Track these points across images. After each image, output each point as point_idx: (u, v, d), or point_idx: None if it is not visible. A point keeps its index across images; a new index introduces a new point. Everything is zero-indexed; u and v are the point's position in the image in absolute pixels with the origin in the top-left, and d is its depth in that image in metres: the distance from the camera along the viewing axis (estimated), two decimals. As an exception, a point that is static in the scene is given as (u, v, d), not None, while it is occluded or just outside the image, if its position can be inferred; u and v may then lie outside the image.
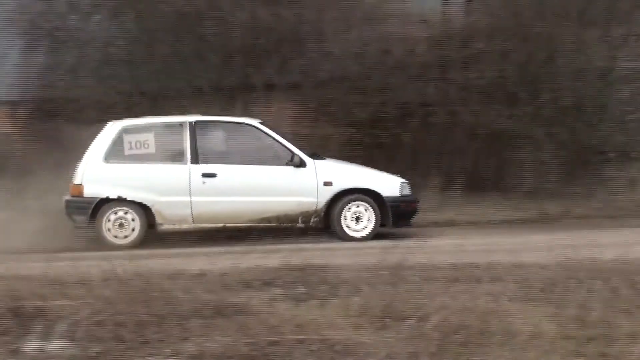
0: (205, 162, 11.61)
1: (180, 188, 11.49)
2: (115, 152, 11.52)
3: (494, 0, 16.36)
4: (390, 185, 11.92)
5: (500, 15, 15.87)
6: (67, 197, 11.46)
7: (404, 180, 12.01)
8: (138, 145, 11.53)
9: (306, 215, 11.64)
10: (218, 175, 11.59)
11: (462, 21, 16.52)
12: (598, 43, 15.62)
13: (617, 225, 12.09)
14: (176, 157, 11.61)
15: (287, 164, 11.71)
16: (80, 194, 11.37)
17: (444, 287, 6.53)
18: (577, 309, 5.71)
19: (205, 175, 11.56)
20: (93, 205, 11.31)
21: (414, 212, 11.95)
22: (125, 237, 11.34)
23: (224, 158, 11.74)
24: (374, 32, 15.53)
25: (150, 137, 11.57)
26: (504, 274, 6.99)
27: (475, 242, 10.57)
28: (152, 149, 11.58)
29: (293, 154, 11.75)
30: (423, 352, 5.00)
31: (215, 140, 11.88)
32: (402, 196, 11.87)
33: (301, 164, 11.72)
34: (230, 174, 11.66)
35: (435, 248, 9.67)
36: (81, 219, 11.34)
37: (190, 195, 11.50)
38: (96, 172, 11.43)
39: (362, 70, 15.40)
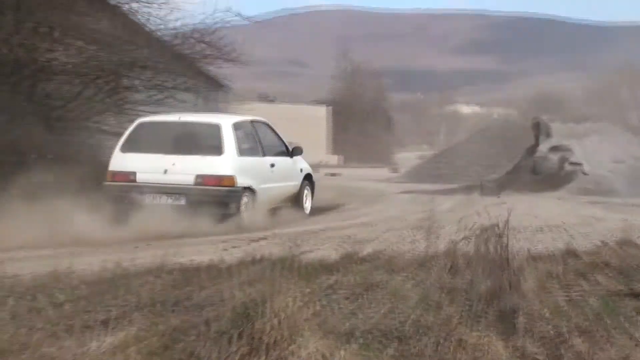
0: (265, 154, 15.04)
1: (266, 176, 14.72)
2: (240, 147, 14.15)
3: None
4: (312, 171, 16.90)
5: None
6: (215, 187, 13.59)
7: None
8: (242, 140, 14.38)
9: (295, 196, 15.96)
10: (276, 165, 15.22)
11: None
12: (17, 32, 15.53)
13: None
14: (255, 150, 14.80)
15: (288, 155, 15.88)
16: (232, 184, 13.71)
17: None
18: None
19: (271, 165, 15.07)
20: (239, 194, 13.81)
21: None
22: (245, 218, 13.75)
23: (269, 151, 15.26)
24: None
25: (243, 134, 14.58)
26: None
27: None
28: (248, 144, 14.59)
29: (287, 146, 15.92)
30: None
31: (261, 135, 15.23)
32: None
33: (293, 155, 15.98)
34: (278, 164, 15.31)
35: None
36: (235, 206, 13.68)
37: (268, 182, 14.76)
38: (237, 165, 13.96)
39: None
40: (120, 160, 14.08)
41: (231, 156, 13.93)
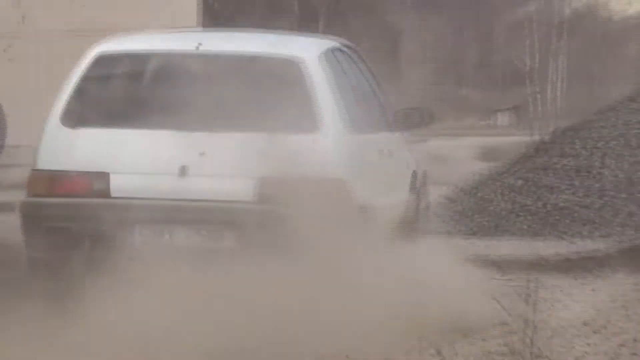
0: (367, 128, 10.35)
1: (378, 179, 10.05)
2: (348, 114, 9.69)
3: None
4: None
5: None
6: None
7: None
8: (343, 98, 9.95)
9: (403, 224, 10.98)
10: (384, 152, 10.64)
11: None
12: None
13: None
14: (357, 118, 9.93)
15: (389, 128, 10.88)
16: (345, 200, 9.16)
17: None
18: None
19: (380, 151, 10.40)
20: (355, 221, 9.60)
21: None
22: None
23: (367, 117, 10.89)
24: None
25: (340, 81, 10.07)
26: None
27: None
28: (348, 105, 10.00)
29: (386, 103, 11.51)
30: None
31: (354, 83, 10.92)
32: None
33: (401, 128, 11.20)
34: (387, 150, 10.94)
35: None
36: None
37: (381, 192, 10.06)
38: (348, 155, 9.45)
39: None
40: (65, 147, 8.99)
41: (336, 136, 9.12)
